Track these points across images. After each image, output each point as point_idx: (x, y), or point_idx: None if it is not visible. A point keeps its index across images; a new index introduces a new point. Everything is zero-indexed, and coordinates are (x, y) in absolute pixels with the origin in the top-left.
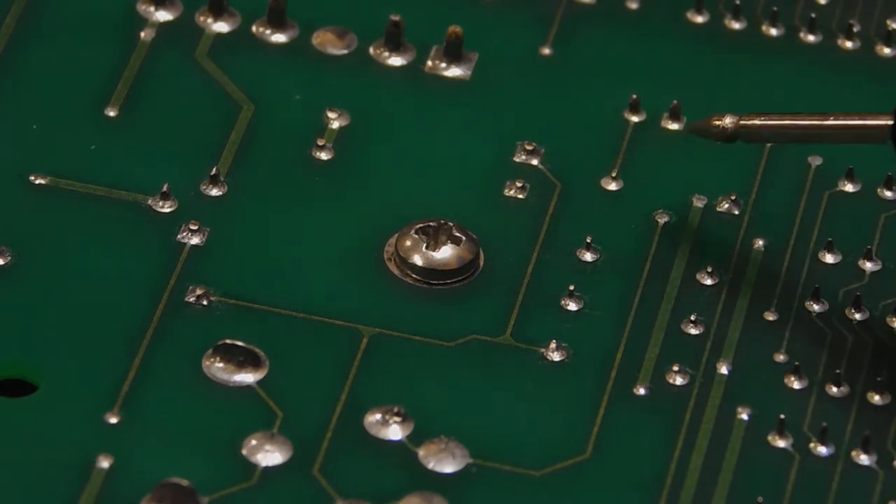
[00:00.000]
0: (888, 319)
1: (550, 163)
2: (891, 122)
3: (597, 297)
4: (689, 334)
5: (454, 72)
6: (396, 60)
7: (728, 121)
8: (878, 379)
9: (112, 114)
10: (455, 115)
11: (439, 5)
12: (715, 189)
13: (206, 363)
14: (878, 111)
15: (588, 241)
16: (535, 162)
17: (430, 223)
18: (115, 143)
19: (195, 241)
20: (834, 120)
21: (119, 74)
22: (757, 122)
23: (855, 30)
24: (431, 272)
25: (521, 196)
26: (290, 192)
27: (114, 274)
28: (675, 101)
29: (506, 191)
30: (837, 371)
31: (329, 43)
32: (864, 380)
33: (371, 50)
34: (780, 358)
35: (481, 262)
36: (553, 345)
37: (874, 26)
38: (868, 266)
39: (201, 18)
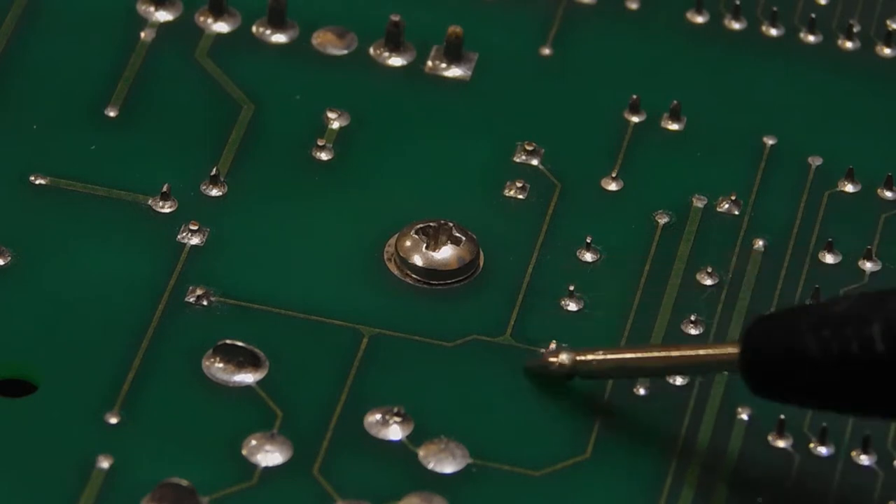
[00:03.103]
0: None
1: (550, 163)
2: (737, 351)
3: (597, 297)
4: (689, 334)
5: (454, 72)
6: (396, 60)
7: (564, 357)
8: None
9: (112, 114)
10: (455, 115)
11: (439, 5)
12: (715, 189)
13: (206, 363)
14: (877, 111)
15: (588, 241)
16: (535, 162)
17: (430, 223)
18: (115, 143)
19: (195, 241)
20: (679, 351)
21: (119, 74)
22: (593, 356)
23: (855, 30)
24: (431, 272)
25: (521, 196)
26: (290, 192)
27: (114, 274)
28: (675, 101)
29: (506, 191)
30: None
31: (329, 43)
32: None
33: (371, 50)
34: None
35: (481, 262)
36: (553, 345)
37: (874, 26)
38: (868, 266)
39: (201, 18)
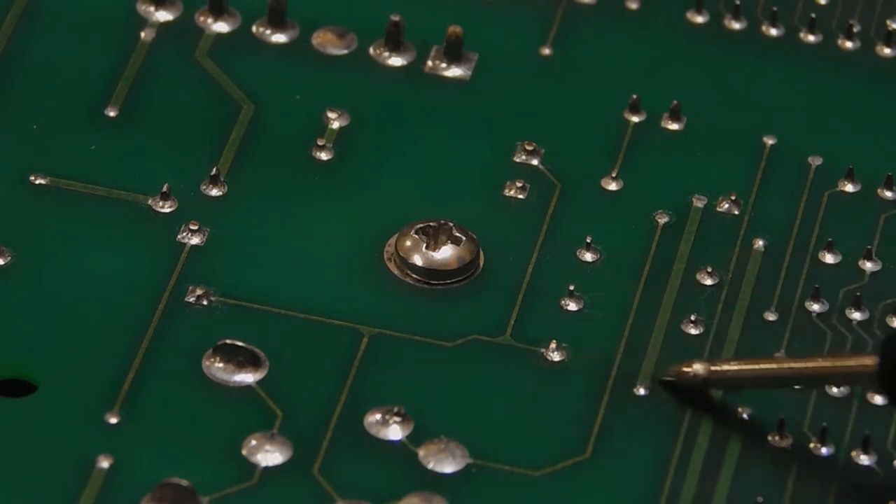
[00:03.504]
0: (888, 319)
1: (550, 163)
2: (874, 362)
3: (597, 297)
4: (689, 334)
5: (454, 72)
6: (396, 60)
7: (699, 367)
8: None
9: (112, 114)
10: (455, 115)
11: (439, 5)
12: (715, 189)
13: (206, 363)
14: (877, 111)
15: (588, 241)
16: (535, 162)
17: (430, 223)
18: (115, 143)
19: (195, 241)
20: (815, 363)
21: (119, 74)
22: (728, 367)
23: (855, 30)
24: (431, 272)
25: (521, 196)
26: (290, 192)
27: (114, 274)
28: (675, 101)
29: (506, 191)
30: None
31: (329, 43)
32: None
33: (371, 50)
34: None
35: (481, 262)
36: (553, 345)
37: (874, 26)
38: (868, 266)
39: (201, 18)
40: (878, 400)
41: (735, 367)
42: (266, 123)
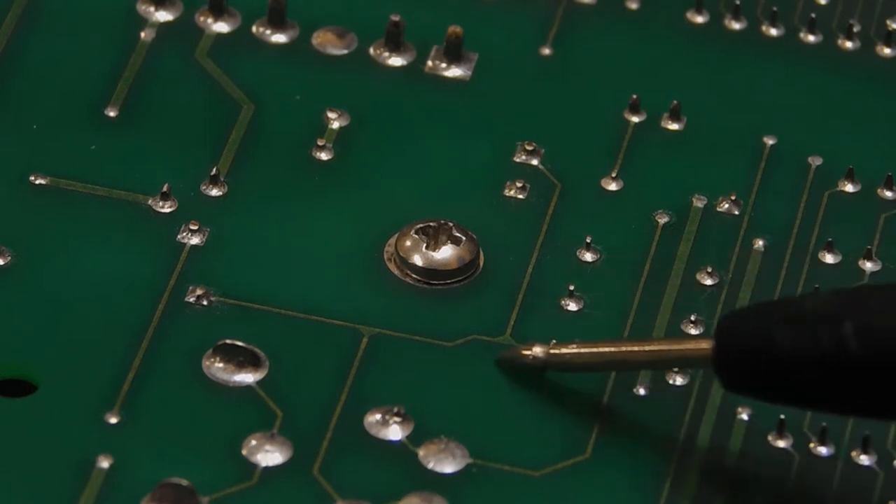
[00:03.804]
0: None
1: (550, 163)
2: (709, 347)
3: (597, 297)
4: (690, 334)
5: (454, 72)
6: (396, 60)
7: (538, 350)
8: None
9: (112, 114)
10: (455, 115)
11: (439, 5)
12: (715, 189)
13: (206, 363)
14: (877, 111)
15: (588, 241)
16: (535, 162)
17: (430, 223)
18: (115, 143)
19: (195, 241)
20: (653, 346)
21: (119, 74)
22: (567, 350)
23: (855, 30)
24: (431, 272)
25: (521, 196)
26: (290, 192)
27: (114, 274)
28: (675, 101)
29: (506, 191)
30: None
31: (329, 43)
32: None
33: (371, 50)
34: None
35: (481, 262)
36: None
37: (874, 26)
38: (868, 266)
39: (201, 18)
40: None
41: (573, 351)
42: (266, 123)
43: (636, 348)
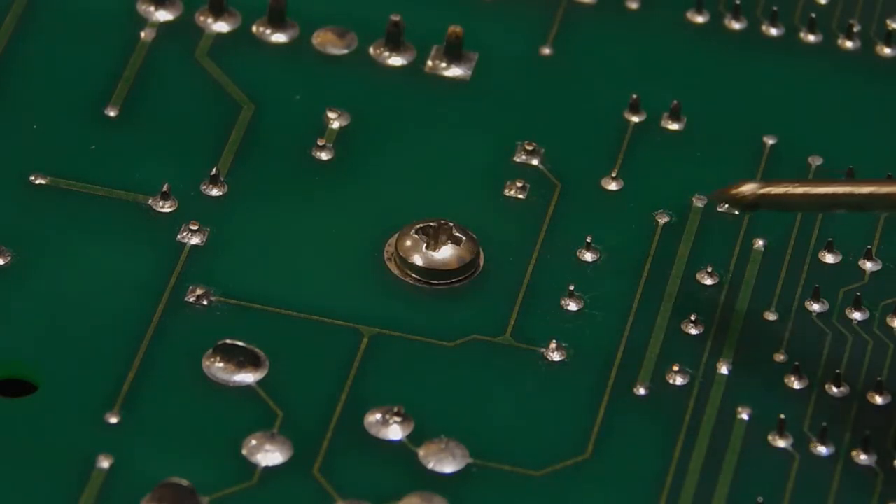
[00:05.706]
0: (888, 319)
1: (550, 163)
2: None
3: (597, 297)
4: (689, 334)
5: (454, 72)
6: (396, 60)
7: (747, 189)
8: (879, 379)
9: (112, 114)
10: (455, 115)
11: (439, 5)
12: (715, 189)
13: (206, 363)
14: (877, 111)
15: (588, 241)
16: (535, 162)
17: (430, 223)
18: (115, 143)
19: (195, 241)
20: (864, 188)
21: (119, 74)
22: (778, 190)
23: (855, 30)
24: (431, 272)
25: (521, 196)
26: (290, 192)
27: (114, 274)
28: (675, 101)
29: (506, 191)
30: (837, 371)
31: (329, 43)
32: (863, 380)
33: (371, 50)
34: (780, 358)
35: (481, 262)
36: (553, 345)
37: (874, 26)
38: (868, 266)
39: (201, 18)
40: (878, 400)
41: (784, 190)
42: (266, 123)
43: (849, 189)
